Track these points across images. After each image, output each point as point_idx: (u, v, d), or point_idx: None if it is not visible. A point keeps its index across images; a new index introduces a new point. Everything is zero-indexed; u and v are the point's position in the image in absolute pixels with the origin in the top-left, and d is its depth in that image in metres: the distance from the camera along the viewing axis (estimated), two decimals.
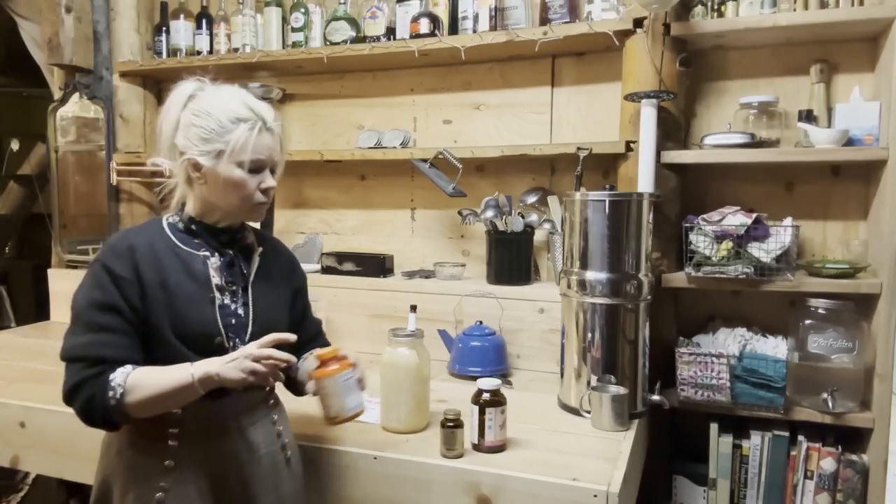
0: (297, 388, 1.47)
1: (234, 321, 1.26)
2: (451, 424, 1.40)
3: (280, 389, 1.44)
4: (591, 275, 1.67)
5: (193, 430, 1.23)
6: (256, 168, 1.25)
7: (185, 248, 1.27)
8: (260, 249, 1.37)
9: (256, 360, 1.16)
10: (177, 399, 1.18)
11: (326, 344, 1.51)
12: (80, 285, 1.22)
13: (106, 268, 1.19)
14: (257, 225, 1.44)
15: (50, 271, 2.81)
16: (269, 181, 1.27)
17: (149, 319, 1.19)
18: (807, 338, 1.80)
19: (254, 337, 1.27)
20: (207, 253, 1.28)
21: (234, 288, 1.29)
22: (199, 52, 2.59)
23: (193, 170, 1.25)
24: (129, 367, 1.17)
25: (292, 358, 1.21)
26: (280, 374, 1.24)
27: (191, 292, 1.23)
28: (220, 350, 1.23)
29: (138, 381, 1.15)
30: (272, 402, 1.38)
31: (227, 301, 1.27)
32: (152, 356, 1.20)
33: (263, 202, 1.29)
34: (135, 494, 1.22)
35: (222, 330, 1.24)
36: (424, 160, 2.20)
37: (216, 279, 1.27)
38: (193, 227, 1.29)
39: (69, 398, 1.17)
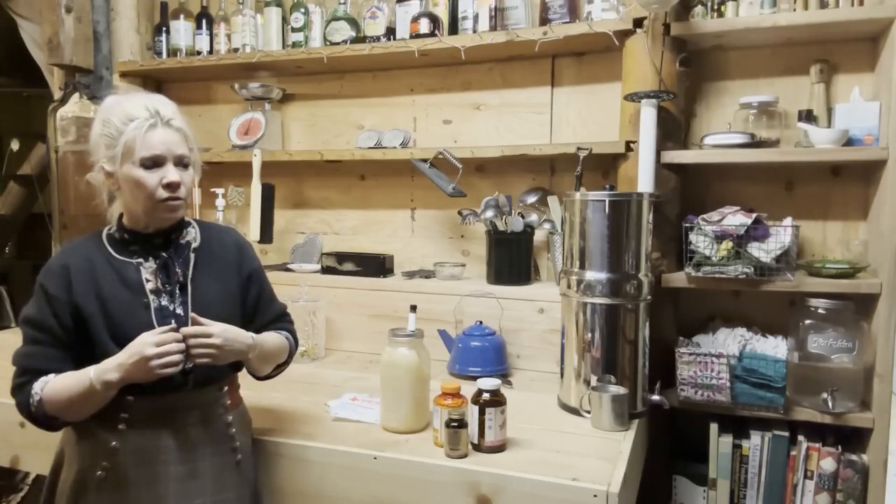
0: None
1: (173, 322, 1.28)
2: (455, 424, 1.39)
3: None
4: (591, 275, 1.67)
5: (142, 418, 1.27)
6: (153, 164, 1.26)
7: (119, 257, 1.31)
8: (195, 245, 1.38)
9: (158, 345, 1.18)
10: (92, 403, 1.23)
11: (289, 328, 1.52)
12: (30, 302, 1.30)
13: (42, 287, 1.27)
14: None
15: None
16: (170, 175, 1.26)
17: (88, 332, 1.24)
18: (807, 338, 1.80)
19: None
20: (141, 259, 1.32)
21: (169, 289, 1.31)
22: (199, 53, 2.58)
23: (106, 178, 1.30)
24: (50, 377, 1.24)
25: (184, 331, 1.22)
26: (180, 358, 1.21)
27: (124, 300, 1.27)
28: None
29: (53, 389, 1.23)
30: (230, 402, 1.38)
31: (164, 303, 1.30)
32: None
33: (169, 198, 1.28)
34: (79, 467, 1.29)
35: None
36: (424, 160, 2.20)
37: (151, 283, 1.30)
38: (126, 235, 1.33)
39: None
